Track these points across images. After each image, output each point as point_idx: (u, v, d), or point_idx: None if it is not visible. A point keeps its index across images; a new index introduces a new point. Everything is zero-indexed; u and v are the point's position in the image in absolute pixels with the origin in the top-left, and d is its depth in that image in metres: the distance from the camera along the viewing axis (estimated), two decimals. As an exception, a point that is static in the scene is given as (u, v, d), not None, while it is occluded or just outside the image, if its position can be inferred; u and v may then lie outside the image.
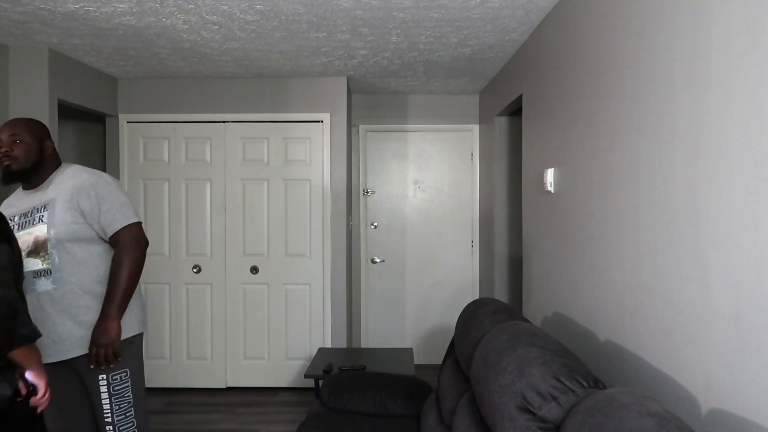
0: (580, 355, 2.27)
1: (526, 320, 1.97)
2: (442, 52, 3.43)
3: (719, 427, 1.35)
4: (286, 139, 4.14)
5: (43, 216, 2.06)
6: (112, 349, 2.04)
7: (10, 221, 2.10)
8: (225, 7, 2.66)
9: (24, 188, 2.17)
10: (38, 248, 2.04)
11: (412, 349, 3.78)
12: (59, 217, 2.05)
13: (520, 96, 3.34)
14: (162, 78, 4.12)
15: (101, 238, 2.12)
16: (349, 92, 4.46)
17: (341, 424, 2.41)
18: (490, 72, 3.95)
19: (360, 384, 2.61)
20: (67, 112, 4.36)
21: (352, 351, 3.85)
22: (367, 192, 4.79)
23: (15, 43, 3.25)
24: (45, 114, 3.32)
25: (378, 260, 4.78)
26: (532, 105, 3.06)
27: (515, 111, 3.89)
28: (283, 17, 2.80)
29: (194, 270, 4.15)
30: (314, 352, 4.13)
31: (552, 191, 2.69)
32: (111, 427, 2.08)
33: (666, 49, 1.62)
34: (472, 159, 4.76)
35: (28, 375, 1.69)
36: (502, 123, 4.11)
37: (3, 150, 2.07)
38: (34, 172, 2.11)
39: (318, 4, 2.62)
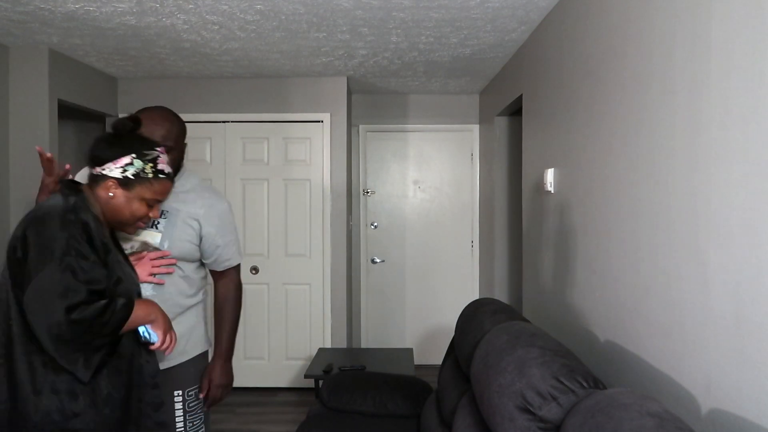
0: (580, 355, 2.27)
1: (526, 320, 1.97)
2: (442, 52, 3.43)
3: (719, 427, 1.35)
4: (286, 139, 4.14)
5: (158, 223, 1.84)
6: (227, 390, 2.02)
7: None
8: (225, 7, 2.66)
9: None
10: None
11: (412, 349, 3.78)
12: (178, 232, 1.86)
13: (520, 96, 3.34)
14: (162, 78, 4.12)
15: (199, 260, 2.01)
16: (349, 92, 4.46)
17: (341, 424, 2.41)
18: (490, 72, 3.95)
19: (360, 384, 2.60)
20: (67, 112, 4.35)
21: (352, 351, 3.84)
22: (367, 192, 4.79)
23: (15, 43, 3.25)
24: (45, 114, 3.32)
25: (378, 260, 4.78)
26: (532, 105, 3.06)
27: (515, 111, 3.89)
28: (283, 17, 2.80)
29: (194, 270, 4.14)
30: (314, 352, 4.13)
31: (552, 191, 2.69)
32: None
33: (665, 49, 1.62)
34: (472, 159, 4.76)
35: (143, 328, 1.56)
36: (502, 123, 4.11)
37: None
38: None
39: (318, 4, 2.62)
